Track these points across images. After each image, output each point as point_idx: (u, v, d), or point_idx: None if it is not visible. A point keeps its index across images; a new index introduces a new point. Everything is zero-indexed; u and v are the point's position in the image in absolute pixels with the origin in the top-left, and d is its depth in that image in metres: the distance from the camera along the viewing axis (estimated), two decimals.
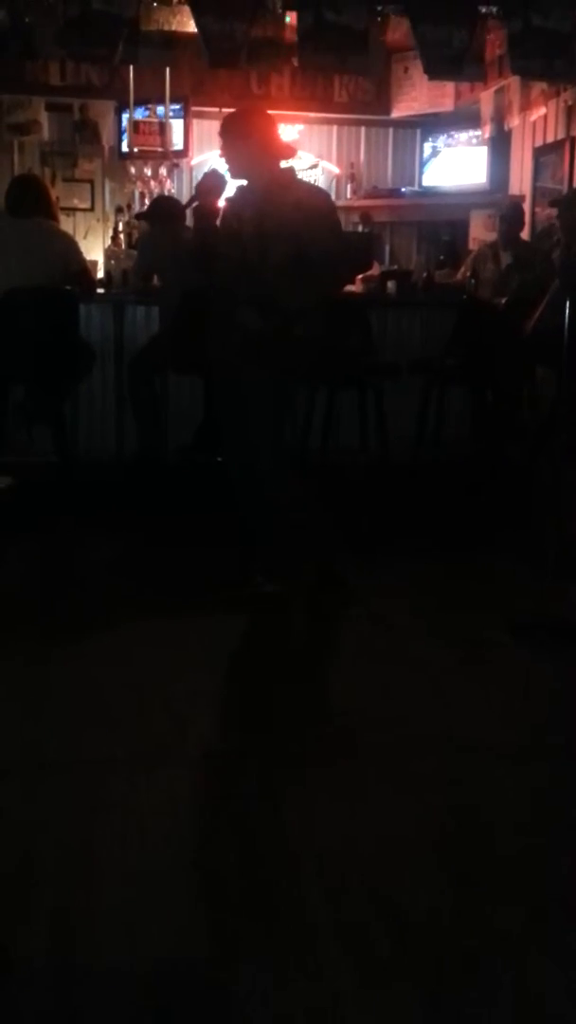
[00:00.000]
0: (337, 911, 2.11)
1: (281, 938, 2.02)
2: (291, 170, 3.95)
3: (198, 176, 7.95)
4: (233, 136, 3.80)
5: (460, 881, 2.23)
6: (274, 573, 3.97)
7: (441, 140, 8.30)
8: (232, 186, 3.96)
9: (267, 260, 3.65)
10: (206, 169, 7.29)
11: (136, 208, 7.38)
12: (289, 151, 3.96)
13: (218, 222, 3.89)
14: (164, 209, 5.81)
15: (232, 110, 4.10)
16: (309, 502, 3.92)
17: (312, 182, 4.85)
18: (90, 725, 2.91)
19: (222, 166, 3.90)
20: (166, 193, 7.41)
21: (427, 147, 8.43)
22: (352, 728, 2.98)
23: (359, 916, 2.09)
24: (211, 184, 3.88)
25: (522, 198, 7.31)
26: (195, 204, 3.92)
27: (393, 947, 2.01)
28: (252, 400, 3.78)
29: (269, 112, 4.12)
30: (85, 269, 5.20)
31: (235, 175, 3.88)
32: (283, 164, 3.88)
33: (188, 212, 4.24)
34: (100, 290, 5.78)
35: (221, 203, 3.93)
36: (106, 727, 2.90)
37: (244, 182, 3.89)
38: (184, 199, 7.82)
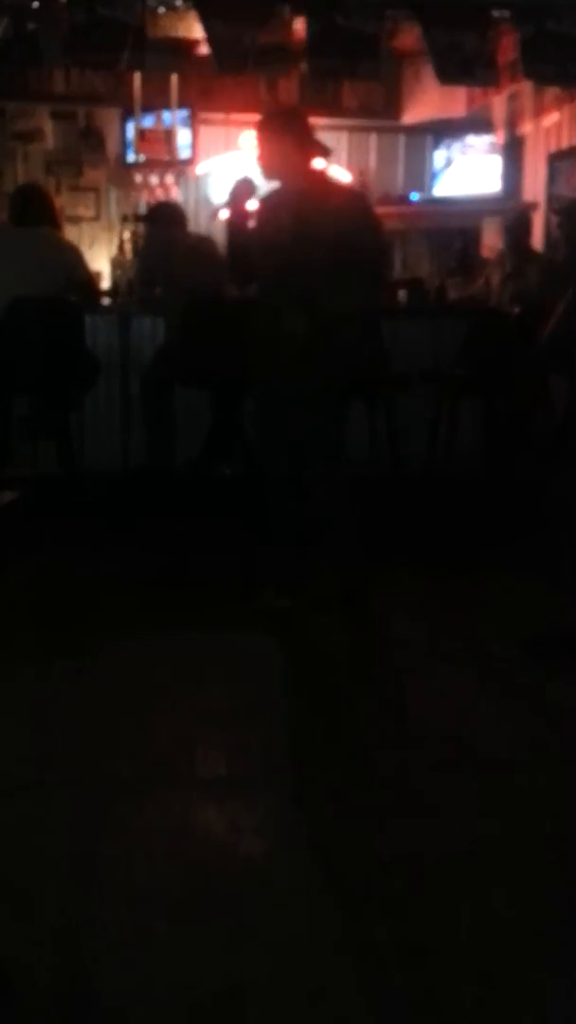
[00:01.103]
0: (358, 937, 2.06)
1: (293, 967, 1.96)
2: (325, 172, 3.89)
3: (205, 184, 8.01)
4: (269, 138, 3.75)
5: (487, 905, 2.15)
6: (284, 588, 3.90)
7: (455, 148, 8.20)
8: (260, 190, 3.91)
9: (310, 265, 3.59)
10: (213, 176, 7.24)
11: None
12: (324, 151, 3.91)
13: (250, 224, 3.83)
14: (165, 213, 5.74)
15: (266, 111, 4.06)
16: (352, 513, 3.86)
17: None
18: (96, 744, 2.87)
19: (242, 172, 3.85)
20: (170, 200, 7.33)
21: (439, 155, 8.34)
22: (366, 749, 2.93)
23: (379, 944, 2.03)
24: (241, 191, 3.82)
25: (535, 205, 7.21)
26: (227, 213, 3.86)
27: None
28: (303, 408, 3.72)
29: (304, 113, 4.08)
30: (90, 279, 5.17)
31: (269, 177, 3.83)
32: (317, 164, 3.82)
33: (217, 219, 4.20)
34: (106, 300, 5.71)
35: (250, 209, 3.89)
36: (112, 746, 2.86)
37: (277, 184, 3.83)
38: (191, 207, 7.81)
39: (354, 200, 3.88)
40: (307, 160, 3.79)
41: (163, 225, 5.58)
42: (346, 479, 3.93)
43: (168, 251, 5.39)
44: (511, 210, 6.90)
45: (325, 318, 3.64)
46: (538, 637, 3.69)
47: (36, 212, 4.98)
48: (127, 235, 6.88)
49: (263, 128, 3.82)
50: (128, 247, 6.79)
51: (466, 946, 2.05)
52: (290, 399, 3.77)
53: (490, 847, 2.41)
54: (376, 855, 2.36)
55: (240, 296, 4.91)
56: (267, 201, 3.90)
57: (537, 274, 6.08)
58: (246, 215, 3.87)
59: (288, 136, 3.74)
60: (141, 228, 6.33)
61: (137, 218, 6.55)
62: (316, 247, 3.61)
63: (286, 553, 3.95)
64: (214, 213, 4.08)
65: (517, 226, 6.45)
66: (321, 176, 3.87)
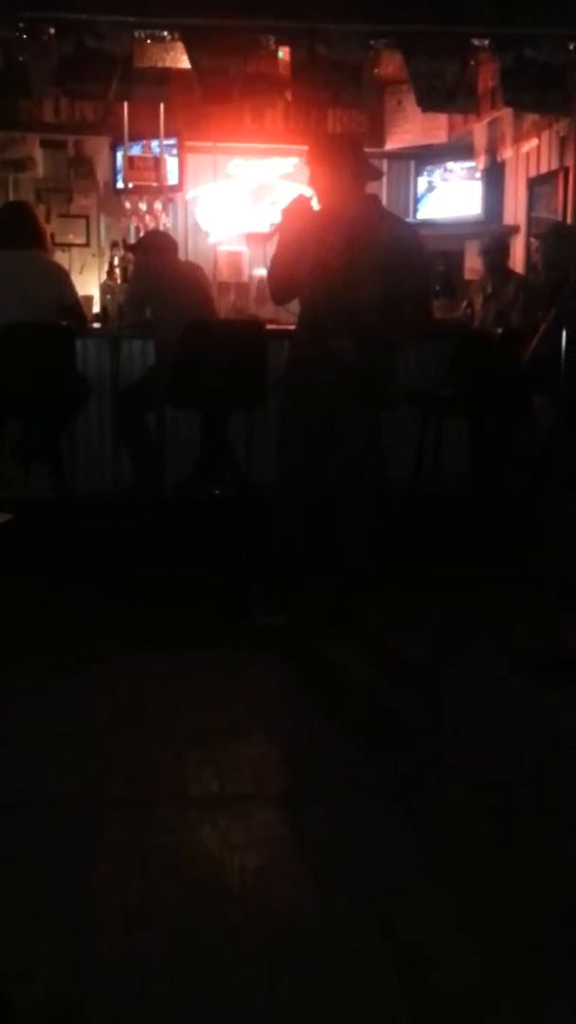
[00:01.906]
0: (352, 954, 2.08)
1: (288, 983, 1.98)
2: (377, 199, 3.93)
3: (193, 210, 8.10)
4: (321, 163, 3.77)
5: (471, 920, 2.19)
6: (274, 605, 3.94)
7: (437, 173, 8.32)
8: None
9: (359, 294, 3.63)
10: (200, 203, 7.34)
11: (131, 242, 7.37)
12: (376, 173, 3.96)
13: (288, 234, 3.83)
14: (153, 242, 5.82)
15: (320, 137, 4.10)
16: (377, 531, 3.93)
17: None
18: (90, 762, 2.89)
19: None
20: (161, 227, 7.42)
21: (422, 180, 8.45)
22: (355, 763, 2.96)
23: (369, 956, 2.04)
24: (298, 209, 3.83)
25: (516, 228, 7.32)
26: (277, 230, 3.89)
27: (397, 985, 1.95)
28: (346, 431, 3.80)
29: (357, 138, 4.12)
30: (77, 303, 5.15)
31: (323, 202, 3.84)
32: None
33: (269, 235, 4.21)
34: (96, 324, 5.76)
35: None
36: (106, 764, 2.89)
37: (326, 207, 3.84)
38: (179, 233, 7.90)
39: (406, 230, 3.90)
40: (360, 186, 3.83)
41: (153, 252, 5.66)
42: (376, 499, 3.99)
43: (158, 277, 5.46)
44: (487, 232, 7.00)
45: (371, 346, 3.69)
46: (526, 653, 3.74)
47: (25, 233, 4.96)
48: (117, 261, 6.96)
49: (315, 153, 3.83)
50: (118, 273, 6.86)
51: (463, 962, 2.07)
52: (326, 420, 3.82)
53: (482, 863, 2.44)
54: (370, 872, 2.38)
55: (229, 319, 4.96)
56: (317, 221, 3.86)
57: (514, 294, 6.17)
58: (299, 234, 3.85)
59: (341, 161, 3.76)
60: (131, 256, 6.40)
61: (127, 247, 6.62)
62: (367, 275, 3.64)
63: (280, 570, 4.00)
64: (274, 232, 4.05)
65: (495, 248, 6.55)
66: (374, 203, 3.89)
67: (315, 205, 3.88)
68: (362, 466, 3.90)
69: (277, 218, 3.98)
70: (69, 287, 5.06)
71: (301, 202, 3.86)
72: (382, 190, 8.66)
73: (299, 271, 3.79)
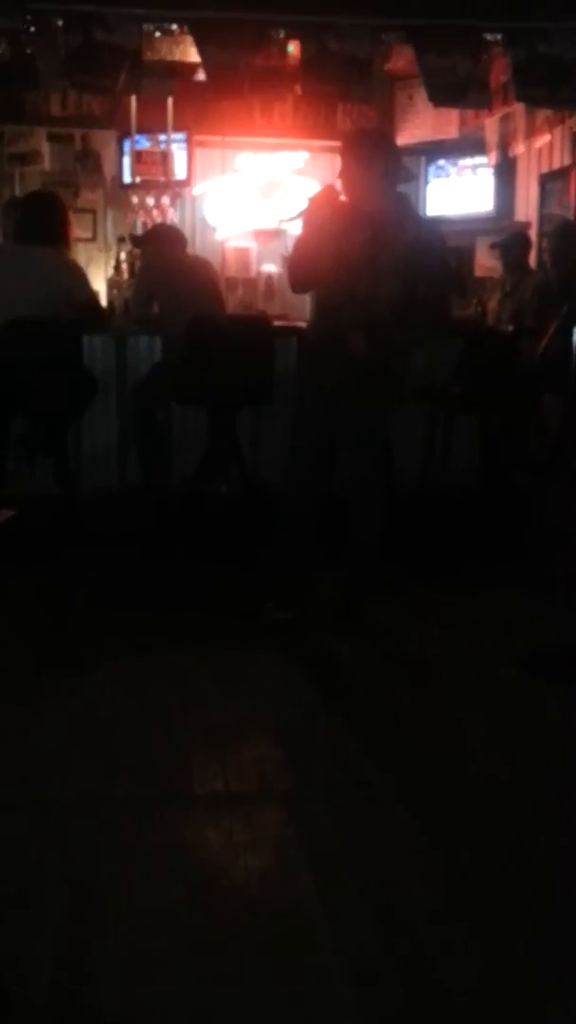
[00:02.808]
0: (354, 955, 2.06)
1: (292, 984, 1.96)
2: (407, 198, 3.89)
3: (201, 205, 8.06)
4: (354, 158, 3.73)
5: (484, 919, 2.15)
6: (283, 601, 3.92)
7: (448, 169, 8.27)
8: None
9: (378, 292, 3.60)
10: (208, 197, 7.28)
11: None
12: (408, 175, 3.92)
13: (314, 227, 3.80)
14: (161, 235, 5.77)
15: (357, 130, 4.06)
16: (384, 530, 3.93)
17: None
18: (94, 762, 2.87)
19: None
20: (169, 222, 7.38)
21: (432, 176, 8.41)
22: (361, 762, 2.95)
23: (374, 958, 2.01)
24: (325, 200, 3.79)
25: (528, 225, 7.27)
26: (300, 216, 3.85)
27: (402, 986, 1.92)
28: (356, 427, 3.77)
29: (391, 137, 4.09)
30: (91, 300, 5.03)
31: (350, 197, 3.80)
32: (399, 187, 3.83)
33: (295, 222, 4.17)
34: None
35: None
36: (111, 763, 2.87)
37: (354, 202, 3.80)
38: (187, 228, 7.87)
39: (431, 233, 3.87)
40: (391, 184, 3.78)
41: (160, 245, 5.61)
42: (385, 498, 3.96)
43: (165, 271, 5.41)
44: (506, 229, 6.95)
45: (384, 342, 3.66)
46: (534, 652, 3.71)
47: (40, 228, 4.87)
48: (124, 256, 6.92)
49: (349, 147, 3.77)
50: (125, 267, 6.83)
51: (465, 962, 2.05)
52: (330, 419, 3.80)
53: (488, 863, 2.42)
54: (375, 872, 2.37)
55: (236, 315, 4.91)
56: (343, 214, 3.82)
57: (531, 293, 6.13)
58: (324, 224, 3.79)
59: (373, 158, 3.72)
60: (138, 251, 6.35)
61: (134, 242, 6.55)
62: (388, 274, 3.61)
63: (286, 566, 3.97)
64: (297, 216, 4.02)
65: (516, 244, 6.49)
66: (403, 202, 3.86)
67: (342, 198, 3.84)
68: (370, 463, 3.87)
69: (303, 204, 3.91)
70: (81, 284, 4.94)
71: (329, 192, 3.81)
72: None
73: (320, 261, 3.75)
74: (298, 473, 3.93)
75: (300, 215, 3.93)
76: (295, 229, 3.98)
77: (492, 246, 6.76)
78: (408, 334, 3.72)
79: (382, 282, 3.62)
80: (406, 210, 3.87)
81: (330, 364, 3.76)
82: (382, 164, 3.72)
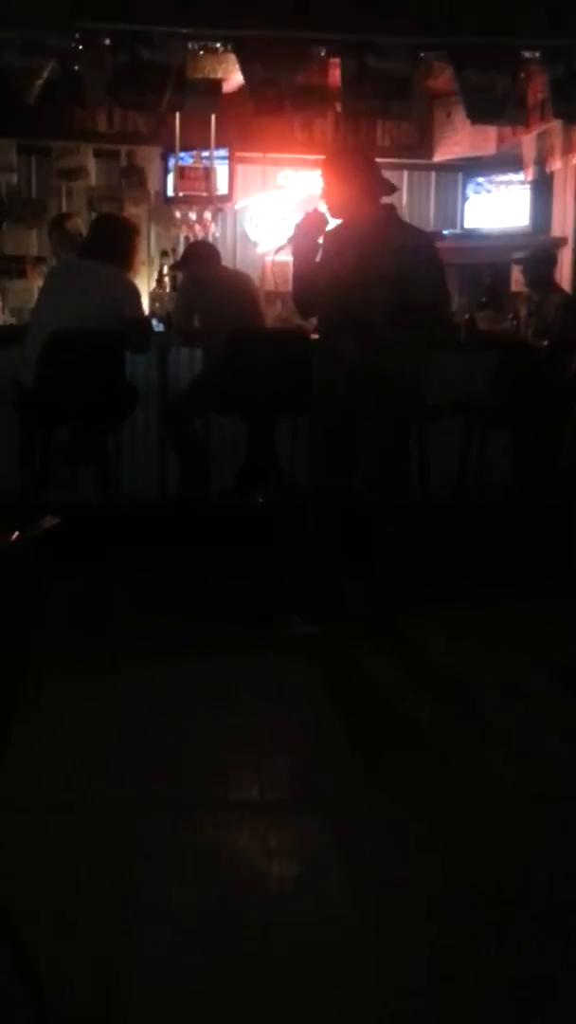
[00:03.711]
0: (387, 964, 2.07)
1: (323, 992, 1.98)
2: (393, 209, 3.98)
3: (242, 219, 8.16)
4: (333, 178, 3.84)
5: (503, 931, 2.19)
6: (312, 613, 3.96)
7: (485, 185, 8.32)
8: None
9: (369, 298, 3.68)
10: (250, 212, 7.39)
11: (180, 251, 7.46)
12: (390, 188, 4.00)
13: (318, 258, 3.91)
14: (197, 253, 5.92)
15: (331, 151, 4.15)
16: (410, 540, 3.93)
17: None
18: (129, 766, 2.91)
19: (309, 206, 3.96)
20: (210, 237, 7.49)
21: (470, 192, 8.46)
22: (395, 772, 2.96)
23: (408, 967, 2.05)
24: (312, 222, 3.91)
25: (564, 241, 7.30)
26: (289, 245, 3.95)
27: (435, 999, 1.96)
28: (368, 437, 3.83)
29: (368, 153, 4.19)
30: (139, 319, 5.08)
31: (335, 214, 3.92)
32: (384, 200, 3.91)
33: (285, 251, 4.28)
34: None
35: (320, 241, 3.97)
36: (146, 769, 2.91)
37: (341, 221, 3.92)
38: (228, 242, 7.98)
39: (418, 238, 3.94)
40: (373, 198, 3.87)
41: (197, 262, 5.75)
42: (406, 505, 4.00)
43: (205, 286, 5.53)
44: (530, 246, 6.98)
45: (381, 350, 3.73)
46: (566, 666, 3.72)
47: (102, 246, 5.02)
48: (166, 270, 7.04)
49: (328, 167, 3.88)
50: (167, 281, 6.94)
51: (493, 972, 2.07)
52: (344, 426, 3.86)
53: (521, 876, 2.43)
54: (408, 881, 2.38)
55: (276, 328, 4.99)
56: (334, 235, 3.95)
57: (555, 311, 6.14)
58: (314, 249, 3.94)
59: (353, 174, 3.83)
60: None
61: (174, 266, 6.71)
62: (377, 281, 3.68)
63: (317, 579, 4.01)
64: (284, 246, 4.16)
65: (539, 262, 6.51)
66: (388, 213, 3.94)
67: (328, 218, 3.94)
68: (386, 473, 3.89)
69: (291, 232, 4.03)
70: (133, 303, 5.02)
71: (314, 216, 3.93)
72: (430, 201, 8.73)
73: (317, 284, 3.86)
74: (314, 484, 4.00)
75: (288, 244, 4.04)
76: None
77: (516, 261, 6.78)
78: (405, 337, 3.75)
79: (372, 289, 3.68)
80: (391, 219, 3.93)
81: (329, 372, 3.83)
82: (361, 179, 3.81)
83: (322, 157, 4.06)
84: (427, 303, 3.75)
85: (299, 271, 3.97)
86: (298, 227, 3.96)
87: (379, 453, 3.87)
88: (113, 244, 5.04)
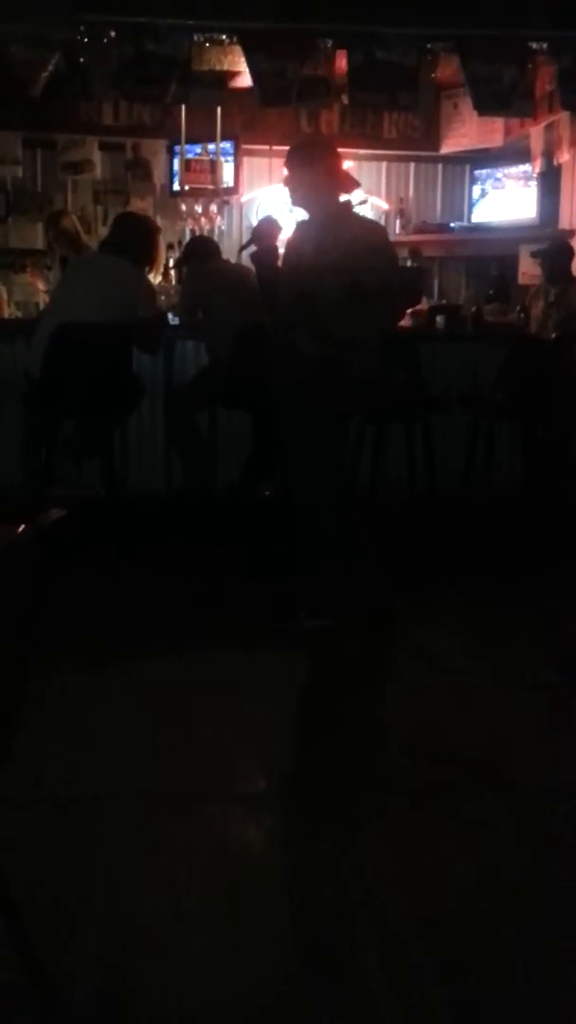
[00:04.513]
0: (395, 960, 2.07)
1: (332, 987, 1.99)
2: (348, 204, 3.98)
3: (248, 213, 8.15)
4: (298, 166, 3.86)
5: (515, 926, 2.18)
6: (318, 608, 3.96)
7: (492, 177, 8.29)
8: (285, 223, 4.03)
9: (322, 291, 3.68)
10: (256, 205, 7.40)
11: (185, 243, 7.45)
12: (351, 184, 4.00)
13: (280, 260, 3.95)
14: (198, 248, 5.95)
15: (298, 141, 4.17)
16: (362, 536, 3.91)
17: (369, 217, 4.89)
18: (136, 760, 2.91)
19: (277, 205, 3.97)
20: (216, 230, 7.49)
21: (477, 184, 8.44)
22: (402, 768, 2.96)
23: (415, 964, 2.06)
24: (267, 229, 3.95)
25: (572, 233, 7.27)
26: (252, 249, 3.97)
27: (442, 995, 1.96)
28: (309, 429, 3.79)
29: (334, 145, 4.21)
30: (153, 319, 5.05)
31: (295, 204, 3.96)
32: (342, 197, 3.91)
33: (245, 255, 4.30)
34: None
35: (279, 246, 4.00)
36: (152, 762, 2.91)
37: (305, 217, 3.95)
38: (234, 235, 7.96)
39: (370, 231, 3.93)
40: (333, 192, 3.87)
41: (198, 259, 5.76)
42: (345, 502, 3.96)
43: (207, 280, 5.54)
44: (547, 238, 6.95)
45: (333, 343, 3.72)
46: (574, 659, 3.72)
47: (121, 242, 5.03)
48: (171, 263, 7.02)
49: (293, 157, 3.90)
50: (172, 274, 6.93)
51: (494, 970, 2.06)
52: (300, 420, 3.85)
53: (523, 870, 2.43)
54: (413, 875, 2.38)
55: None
56: (295, 232, 4.01)
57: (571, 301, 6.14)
58: (274, 252, 3.97)
59: (316, 167, 3.84)
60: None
61: (176, 263, 6.72)
62: (329, 274, 3.69)
63: (320, 574, 4.00)
64: (244, 247, 4.20)
65: (558, 254, 6.49)
66: (344, 208, 3.93)
67: (286, 210, 3.96)
68: (313, 467, 3.86)
69: (250, 238, 4.06)
70: (148, 302, 5.02)
71: (267, 223, 3.96)
72: (436, 194, 8.70)
73: (279, 286, 3.87)
74: (293, 480, 4.01)
75: (248, 246, 4.06)
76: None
77: (533, 255, 6.76)
78: (358, 329, 3.74)
79: (326, 280, 3.68)
80: (345, 213, 3.94)
81: (286, 369, 3.82)
82: (322, 170, 3.82)
83: (289, 147, 4.06)
84: (379, 291, 3.73)
85: (262, 278, 3.99)
86: (255, 232, 4.01)
87: (318, 446, 3.83)
88: (134, 242, 5.06)
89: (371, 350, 3.81)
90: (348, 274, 3.65)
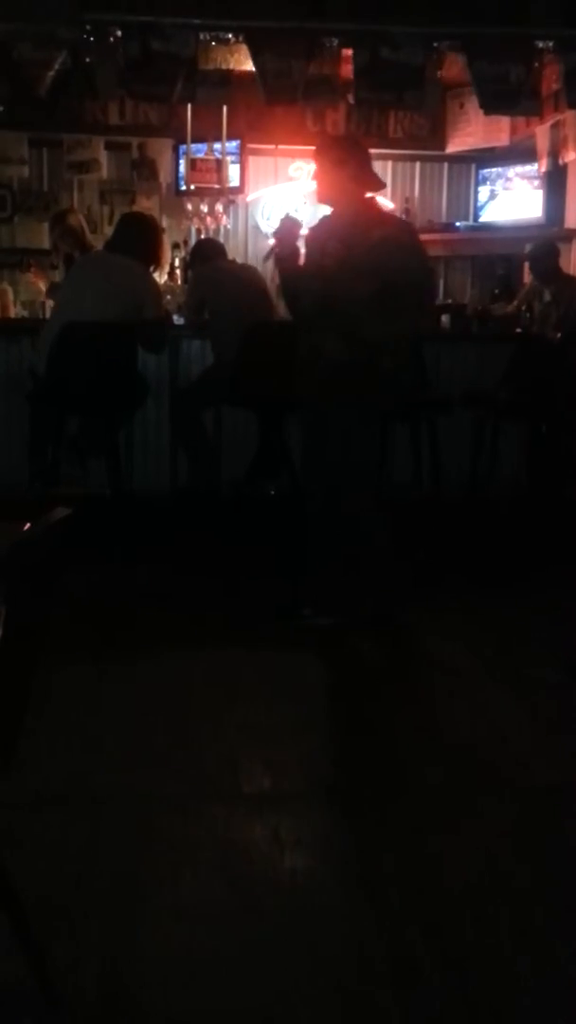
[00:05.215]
0: (398, 958, 2.07)
1: (334, 984, 1.98)
2: (376, 201, 3.97)
3: (254, 212, 8.15)
4: (327, 161, 3.83)
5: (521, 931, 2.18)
6: (323, 606, 3.96)
7: (498, 176, 8.28)
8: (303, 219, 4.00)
9: (352, 293, 3.66)
10: (261, 205, 7.38)
11: (192, 243, 7.46)
12: (379, 183, 3.99)
13: (302, 256, 3.93)
14: (202, 251, 5.99)
15: (328, 137, 4.14)
16: (387, 536, 3.91)
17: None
18: (141, 759, 2.91)
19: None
20: (222, 229, 7.50)
21: (482, 183, 8.42)
22: (407, 768, 2.95)
23: (418, 962, 2.05)
24: (288, 229, 3.92)
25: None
26: (275, 252, 3.95)
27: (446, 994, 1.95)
28: (343, 430, 3.79)
29: (363, 144, 4.19)
30: (158, 320, 5.09)
31: (321, 200, 3.93)
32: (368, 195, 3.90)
33: (270, 262, 4.28)
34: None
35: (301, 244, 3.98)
36: (157, 761, 2.90)
37: (327, 211, 3.93)
38: (240, 234, 7.97)
39: (400, 230, 3.92)
40: (361, 190, 3.85)
41: (204, 261, 5.78)
42: (377, 502, 3.97)
43: (213, 281, 5.55)
44: (535, 238, 6.96)
45: (365, 345, 3.71)
46: None
47: (128, 241, 5.05)
48: (177, 262, 7.03)
49: (322, 153, 3.87)
50: (178, 274, 6.93)
51: (503, 964, 2.06)
52: (328, 423, 3.84)
53: (530, 869, 2.42)
54: (418, 874, 2.37)
55: (286, 320, 4.97)
56: (316, 228, 3.99)
57: (572, 299, 6.14)
58: (296, 251, 3.95)
59: (345, 164, 3.81)
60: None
61: (184, 265, 6.74)
62: (359, 275, 3.67)
63: (326, 573, 4.00)
64: (269, 255, 4.19)
65: (545, 255, 6.51)
66: (371, 205, 3.92)
67: (311, 208, 3.95)
68: (348, 467, 3.85)
69: (272, 242, 4.05)
70: (154, 302, 5.04)
71: (289, 223, 3.95)
72: (442, 193, 8.69)
73: (300, 283, 3.85)
74: (312, 483, 4.00)
75: (271, 254, 4.04)
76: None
77: (525, 257, 6.78)
78: (387, 333, 3.73)
79: (356, 282, 3.66)
80: (375, 211, 3.92)
81: (312, 370, 3.80)
82: (352, 168, 3.80)
83: (317, 142, 4.04)
84: (408, 295, 3.71)
85: (286, 279, 3.98)
86: (278, 231, 3.98)
87: (342, 446, 3.83)
88: (138, 241, 5.08)
89: (401, 349, 3.81)
90: (377, 275, 3.63)
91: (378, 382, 3.78)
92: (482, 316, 6.29)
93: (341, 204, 3.84)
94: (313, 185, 3.97)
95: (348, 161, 3.81)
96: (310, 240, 3.95)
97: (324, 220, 3.96)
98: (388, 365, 3.77)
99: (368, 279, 3.64)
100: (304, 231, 4.06)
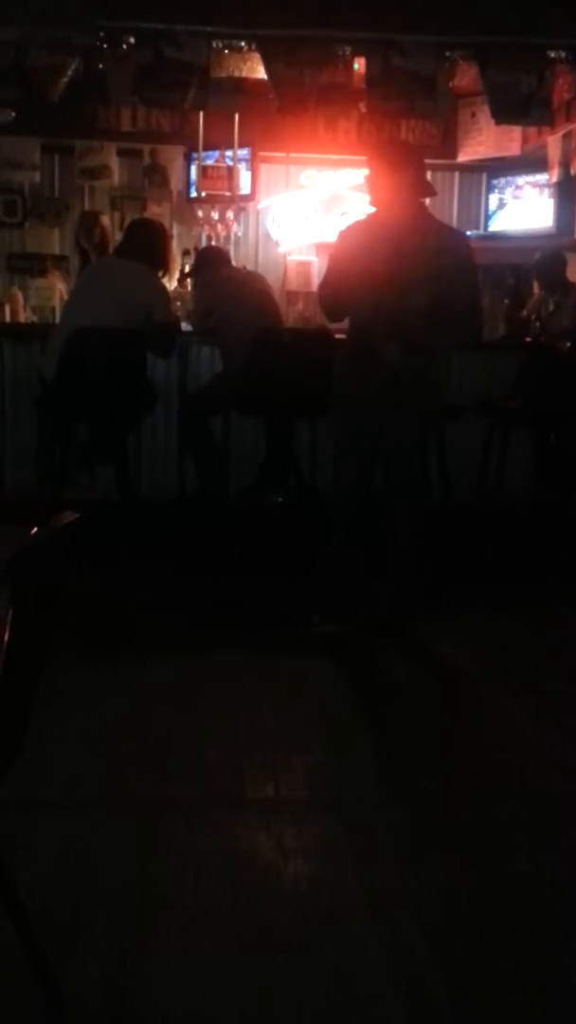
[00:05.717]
0: (400, 966, 2.06)
1: (336, 991, 1.97)
2: (427, 209, 3.97)
3: (264, 220, 8.16)
4: (385, 165, 3.83)
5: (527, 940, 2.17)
6: (331, 612, 3.95)
7: (509, 186, 8.28)
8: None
9: (407, 302, 3.66)
10: (272, 212, 7.36)
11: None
12: (432, 190, 3.99)
13: (336, 246, 3.90)
14: (207, 260, 5.99)
15: (385, 142, 4.12)
16: (422, 546, 3.91)
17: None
18: (146, 764, 2.91)
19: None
20: (232, 237, 7.52)
21: (493, 193, 8.43)
22: (412, 775, 2.95)
23: (421, 970, 2.03)
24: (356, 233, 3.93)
25: None
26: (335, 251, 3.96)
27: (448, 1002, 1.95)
28: (398, 438, 3.81)
29: (419, 150, 4.19)
30: (168, 324, 5.09)
31: (376, 204, 3.90)
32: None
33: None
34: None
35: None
36: (162, 767, 2.90)
37: (371, 215, 3.91)
38: (250, 241, 7.98)
39: (455, 239, 3.92)
40: (416, 196, 3.86)
41: (209, 269, 5.79)
42: (424, 510, 3.98)
43: (219, 289, 5.56)
44: (545, 248, 6.96)
45: (421, 353, 3.71)
46: None
47: (136, 246, 5.06)
48: (187, 269, 7.04)
49: (380, 157, 3.86)
50: (188, 281, 6.94)
51: (511, 977, 2.05)
52: (369, 427, 3.84)
53: (537, 877, 2.42)
54: (424, 881, 2.37)
55: (296, 328, 4.99)
56: (361, 229, 3.94)
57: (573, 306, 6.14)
58: (351, 251, 3.91)
59: (403, 169, 3.80)
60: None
61: (189, 274, 6.75)
62: (416, 283, 3.66)
63: (337, 578, 4.00)
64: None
65: (552, 264, 6.51)
66: (425, 212, 3.92)
67: (367, 207, 3.94)
68: (409, 471, 3.88)
69: (335, 237, 4.05)
70: (163, 306, 5.04)
71: (358, 226, 3.95)
72: (452, 202, 8.69)
73: (346, 285, 3.84)
74: (341, 486, 3.99)
75: (334, 249, 4.04)
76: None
77: (534, 272, 6.78)
78: (440, 340, 3.74)
79: (409, 291, 3.66)
80: (429, 220, 3.92)
81: (367, 376, 3.80)
82: (410, 176, 3.80)
83: (374, 146, 4.04)
84: (463, 306, 3.72)
85: (330, 277, 3.95)
86: (342, 235, 3.98)
87: (406, 455, 3.85)
88: (148, 246, 5.09)
89: (445, 358, 3.83)
90: (433, 285, 3.63)
91: (434, 392, 3.80)
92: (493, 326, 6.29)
93: (396, 209, 3.82)
94: (336, 196, 3.97)
95: (406, 166, 3.80)
96: (355, 238, 3.91)
97: (369, 221, 3.93)
98: (433, 375, 3.79)
99: (423, 287, 3.64)
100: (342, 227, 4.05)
